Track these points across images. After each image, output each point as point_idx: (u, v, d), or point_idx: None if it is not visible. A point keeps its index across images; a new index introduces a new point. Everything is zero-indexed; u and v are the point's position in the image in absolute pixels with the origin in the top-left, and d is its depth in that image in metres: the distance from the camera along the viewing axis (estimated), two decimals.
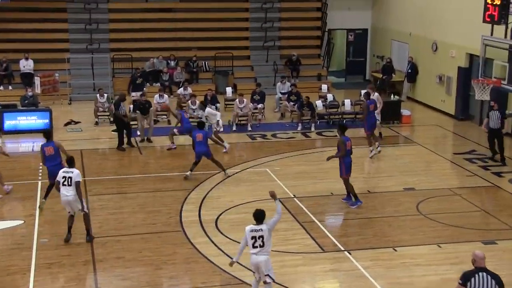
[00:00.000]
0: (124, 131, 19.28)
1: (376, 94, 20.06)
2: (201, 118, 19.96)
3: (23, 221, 13.50)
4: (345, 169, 14.33)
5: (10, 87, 25.85)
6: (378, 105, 19.48)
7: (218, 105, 22.79)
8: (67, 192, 12.25)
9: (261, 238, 9.61)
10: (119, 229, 13.18)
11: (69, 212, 12.41)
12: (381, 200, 15.07)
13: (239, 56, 28.55)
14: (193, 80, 27.24)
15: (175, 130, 19.32)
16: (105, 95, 22.66)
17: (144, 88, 22.89)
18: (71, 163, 12.37)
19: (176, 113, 19.40)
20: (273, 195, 10.11)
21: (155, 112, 21.79)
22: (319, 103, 22.76)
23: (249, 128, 21.56)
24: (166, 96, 23.12)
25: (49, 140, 13.97)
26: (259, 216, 9.77)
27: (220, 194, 15.34)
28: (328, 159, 14.62)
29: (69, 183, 12.21)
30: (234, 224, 13.33)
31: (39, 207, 13.94)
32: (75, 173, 12.26)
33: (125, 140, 19.27)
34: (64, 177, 12.19)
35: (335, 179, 15.12)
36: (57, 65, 26.37)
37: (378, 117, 19.66)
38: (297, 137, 20.84)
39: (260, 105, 22.80)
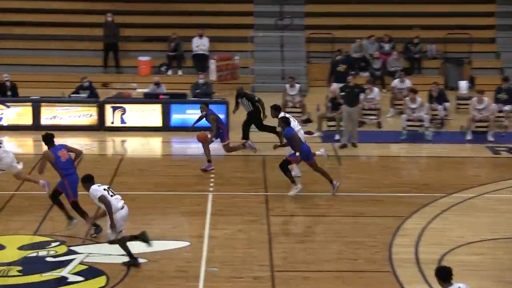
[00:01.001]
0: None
1: None
2: (423, 121, 19.81)
3: (189, 243, 14.19)
4: None
5: (179, 72, 27.46)
6: None
7: (447, 104, 22.43)
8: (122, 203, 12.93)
9: None
10: (308, 263, 13.40)
11: (122, 231, 12.89)
12: None
13: (480, 38, 27.95)
14: (414, 69, 27.09)
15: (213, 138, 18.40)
16: (297, 85, 23.24)
17: (349, 78, 23.07)
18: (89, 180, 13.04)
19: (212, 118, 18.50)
20: None
21: (361, 111, 21.92)
22: None
23: (490, 138, 20.99)
24: (376, 89, 23.21)
25: (53, 144, 14.62)
26: (445, 276, 9.48)
27: (446, 226, 15.07)
28: None
29: (114, 192, 12.98)
30: (465, 269, 12.94)
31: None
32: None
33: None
34: (105, 189, 12.87)
35: None
36: (237, 45, 27.54)
37: None
38: None
39: (507, 107, 22.10)
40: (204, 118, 18.50)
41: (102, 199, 12.69)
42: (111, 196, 12.82)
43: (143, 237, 13.03)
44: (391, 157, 20.11)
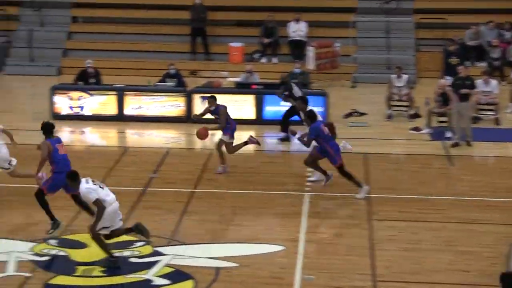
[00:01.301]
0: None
1: None
2: None
3: (283, 247, 14.32)
4: None
5: (274, 60, 27.67)
6: None
7: None
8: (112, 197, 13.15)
9: None
10: (414, 273, 13.37)
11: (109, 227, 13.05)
12: None
13: None
14: None
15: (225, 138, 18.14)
16: (404, 76, 23.13)
17: (460, 68, 22.86)
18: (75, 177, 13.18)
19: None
20: None
21: (476, 105, 21.72)
22: None
23: None
24: (494, 82, 22.92)
25: (52, 136, 14.75)
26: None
27: None
28: None
29: (102, 185, 13.19)
30: None
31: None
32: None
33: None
34: (94, 183, 13.03)
35: None
36: (338, 31, 27.60)
37: None
38: None
39: None
40: (210, 113, 18.30)
41: (97, 203, 12.85)
42: (101, 188, 13.06)
43: (137, 229, 13.16)
44: (511, 158, 19.86)
